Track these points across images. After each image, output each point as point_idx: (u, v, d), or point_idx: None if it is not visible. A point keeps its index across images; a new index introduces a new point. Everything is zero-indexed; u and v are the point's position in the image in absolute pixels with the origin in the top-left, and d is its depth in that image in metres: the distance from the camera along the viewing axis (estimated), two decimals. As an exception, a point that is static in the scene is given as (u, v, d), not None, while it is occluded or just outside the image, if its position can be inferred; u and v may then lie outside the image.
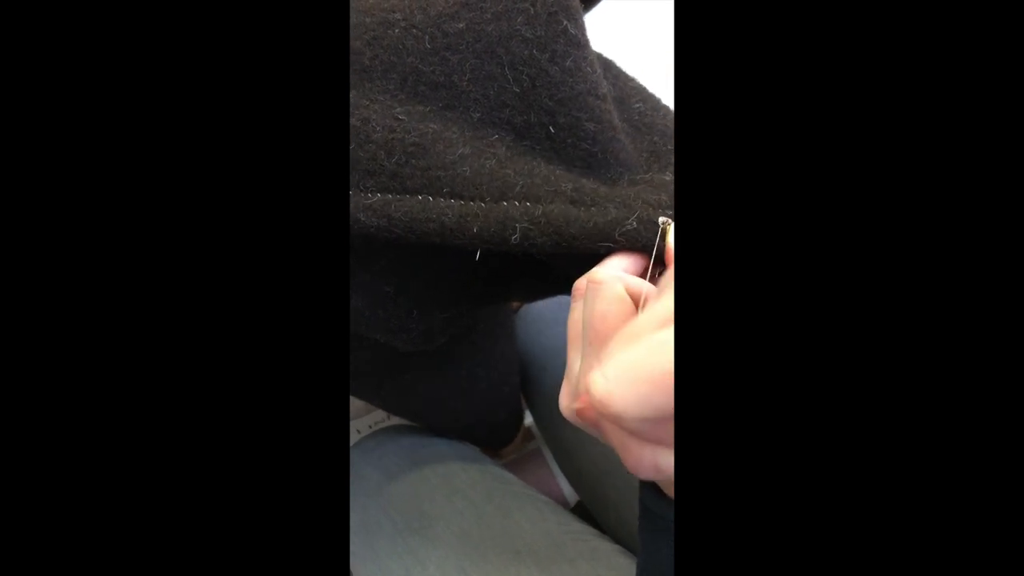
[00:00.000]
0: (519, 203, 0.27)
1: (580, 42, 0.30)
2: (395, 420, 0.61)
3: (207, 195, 0.19)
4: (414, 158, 0.28)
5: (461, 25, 0.29)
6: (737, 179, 0.18)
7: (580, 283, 0.25)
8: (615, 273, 0.24)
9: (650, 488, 0.24)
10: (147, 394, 0.19)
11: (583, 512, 0.61)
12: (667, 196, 0.28)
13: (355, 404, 0.84)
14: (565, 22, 0.29)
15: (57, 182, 0.19)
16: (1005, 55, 0.16)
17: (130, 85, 0.19)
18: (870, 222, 0.17)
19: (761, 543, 0.17)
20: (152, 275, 0.19)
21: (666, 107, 0.35)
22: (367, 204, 0.27)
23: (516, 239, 0.26)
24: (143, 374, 0.19)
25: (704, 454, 0.17)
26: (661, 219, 0.27)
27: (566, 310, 0.26)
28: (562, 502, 0.73)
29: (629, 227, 0.26)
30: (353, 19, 0.29)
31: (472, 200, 0.27)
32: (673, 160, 0.31)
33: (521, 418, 0.65)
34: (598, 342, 0.21)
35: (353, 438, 0.63)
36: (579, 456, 0.57)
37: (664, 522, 0.23)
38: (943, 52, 0.17)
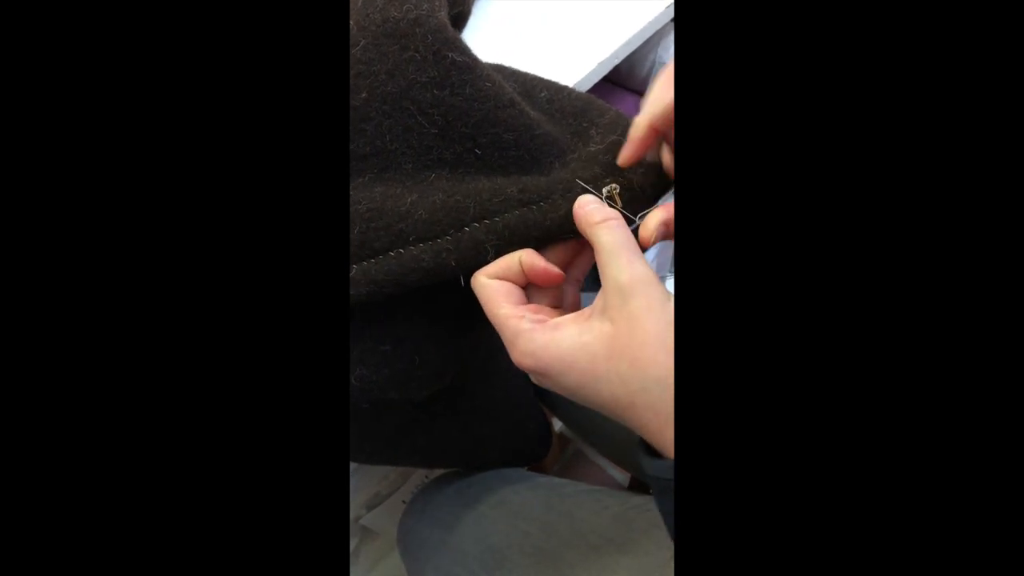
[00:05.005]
0: (479, 224, 0.29)
1: (470, 65, 0.31)
2: (435, 474, 0.61)
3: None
4: (374, 221, 0.30)
5: (364, 95, 0.31)
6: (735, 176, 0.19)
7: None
8: (480, 278, 0.29)
9: (645, 449, 0.26)
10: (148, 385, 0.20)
11: (639, 486, 0.62)
12: (599, 167, 0.30)
13: (394, 472, 0.84)
14: (451, 55, 0.31)
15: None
16: (1003, 56, 0.17)
17: (140, 151, 0.20)
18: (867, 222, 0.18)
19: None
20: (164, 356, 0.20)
21: (568, 88, 0.37)
22: (350, 279, 0.29)
23: (491, 257, 0.29)
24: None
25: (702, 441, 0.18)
26: (605, 189, 0.29)
27: None
28: (616, 487, 0.74)
29: None
30: None
31: (438, 238, 0.29)
32: (593, 134, 0.33)
33: (550, 424, 0.66)
34: (497, 325, 0.28)
35: (400, 509, 0.63)
36: (611, 434, 0.58)
37: (660, 483, 0.25)
38: (942, 50, 0.18)
